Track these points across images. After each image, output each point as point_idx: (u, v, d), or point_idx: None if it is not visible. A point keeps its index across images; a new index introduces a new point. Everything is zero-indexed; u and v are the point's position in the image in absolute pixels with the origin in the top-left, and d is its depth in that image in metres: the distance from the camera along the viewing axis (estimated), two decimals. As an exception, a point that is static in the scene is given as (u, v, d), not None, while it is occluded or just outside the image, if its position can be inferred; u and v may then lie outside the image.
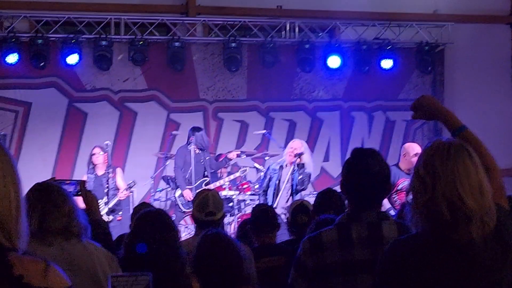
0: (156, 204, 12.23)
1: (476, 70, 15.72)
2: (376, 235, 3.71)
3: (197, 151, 12.63)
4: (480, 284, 2.94)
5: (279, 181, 11.48)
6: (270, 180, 11.59)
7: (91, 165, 12.33)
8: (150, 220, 4.79)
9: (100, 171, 12.23)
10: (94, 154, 12.25)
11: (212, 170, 12.94)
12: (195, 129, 12.85)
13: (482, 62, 15.81)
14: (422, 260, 2.95)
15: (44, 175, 11.34)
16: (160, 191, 13.62)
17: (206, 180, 12.70)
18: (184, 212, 12.47)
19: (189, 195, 12.44)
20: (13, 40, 13.47)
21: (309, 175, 11.58)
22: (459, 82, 15.54)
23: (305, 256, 3.78)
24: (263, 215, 6.86)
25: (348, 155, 13.22)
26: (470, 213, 2.91)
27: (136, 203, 12.63)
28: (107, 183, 12.00)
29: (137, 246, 4.52)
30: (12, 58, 13.44)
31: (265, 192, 11.61)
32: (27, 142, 13.95)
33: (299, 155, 11.35)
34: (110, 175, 12.14)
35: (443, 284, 2.93)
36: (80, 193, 5.52)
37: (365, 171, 3.86)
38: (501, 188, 3.38)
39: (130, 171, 14.00)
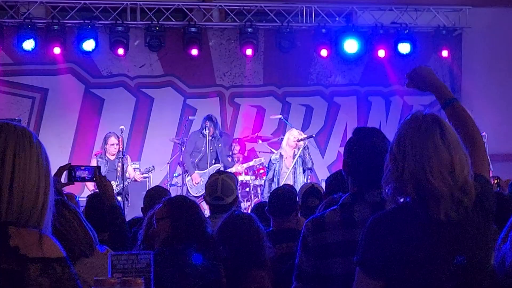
0: (173, 190, 12.35)
1: (494, 54, 15.66)
2: None
3: (210, 137, 12.78)
4: (464, 254, 3.00)
5: (280, 169, 11.76)
6: (274, 171, 11.87)
7: (104, 150, 12.56)
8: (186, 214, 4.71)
9: (112, 156, 12.47)
10: (112, 145, 12.47)
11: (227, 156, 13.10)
12: (209, 118, 13.00)
13: (501, 46, 15.74)
14: (402, 234, 3.00)
15: (61, 161, 11.40)
16: (177, 176, 13.70)
17: (218, 166, 12.82)
18: (193, 196, 12.55)
19: (196, 179, 12.73)
20: (30, 26, 13.58)
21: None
22: (477, 66, 15.50)
23: (308, 236, 3.81)
24: (282, 196, 6.60)
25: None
26: (438, 193, 2.94)
27: (153, 188, 12.79)
28: (120, 167, 12.20)
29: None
30: (28, 44, 13.54)
31: (270, 184, 11.85)
32: (44, 128, 14.05)
33: (306, 139, 11.81)
34: (121, 158, 12.32)
35: (423, 258, 2.98)
36: (94, 178, 5.62)
37: (369, 149, 3.80)
38: (485, 161, 3.42)
39: (147, 156, 14.14)
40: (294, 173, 11.69)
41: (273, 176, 11.91)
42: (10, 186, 2.48)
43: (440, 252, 2.98)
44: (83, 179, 5.71)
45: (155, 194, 6.92)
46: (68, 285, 2.45)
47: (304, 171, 11.87)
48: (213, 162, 12.95)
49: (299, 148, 11.93)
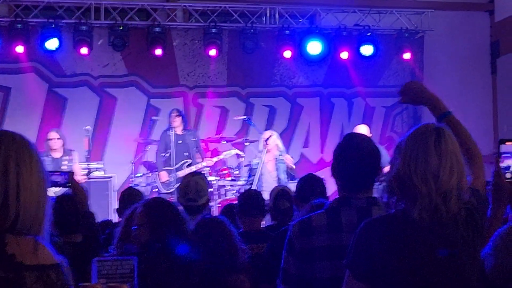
0: (137, 190, 12.29)
1: (455, 56, 15.84)
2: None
3: (179, 132, 12.81)
4: (448, 264, 3.06)
5: (262, 173, 11.81)
6: (255, 175, 11.91)
7: (47, 148, 11.96)
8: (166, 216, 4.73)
9: (57, 154, 12.01)
10: (51, 139, 12.02)
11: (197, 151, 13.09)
12: (175, 110, 13.10)
13: (461, 49, 15.93)
14: (390, 238, 3.07)
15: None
16: (140, 176, 13.64)
17: (188, 161, 12.84)
18: (164, 193, 12.50)
19: (164, 177, 12.76)
20: (-8, 25, 13.49)
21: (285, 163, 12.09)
22: (439, 69, 15.66)
23: (295, 239, 3.84)
24: (251, 200, 6.79)
25: (327, 142, 13.34)
26: (417, 193, 3.02)
27: (116, 188, 12.78)
28: (67, 166, 11.98)
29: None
30: (-9, 43, 13.46)
31: (250, 186, 11.89)
32: (6, 127, 13.54)
33: (267, 139, 11.81)
34: (68, 157, 12.06)
35: (410, 262, 3.04)
36: (69, 184, 5.61)
37: (356, 155, 3.86)
38: (481, 174, 3.50)
39: (110, 156, 14.10)
40: (279, 181, 11.73)
41: (254, 180, 11.95)
42: (17, 198, 2.51)
43: (423, 262, 3.05)
44: (56, 184, 5.68)
45: (130, 196, 7.00)
46: None
47: (288, 176, 11.97)
48: (184, 156, 12.96)
49: (278, 152, 12.01)
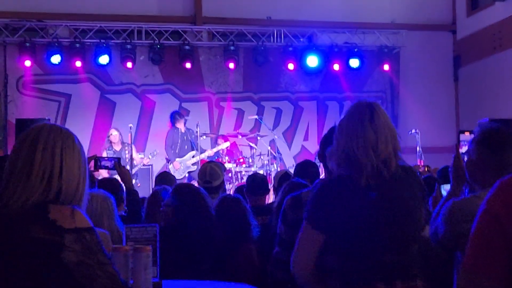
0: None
1: (425, 67, 15.77)
2: None
3: (183, 130, 12.80)
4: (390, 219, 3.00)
5: None
6: None
7: (109, 143, 12.43)
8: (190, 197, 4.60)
9: (118, 147, 12.34)
10: (113, 135, 12.39)
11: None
12: (180, 114, 13.28)
13: (430, 61, 15.86)
14: (341, 198, 2.99)
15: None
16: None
17: (193, 153, 12.84)
18: (178, 179, 12.46)
19: (177, 165, 12.79)
20: (56, 44, 13.50)
21: None
22: (412, 77, 15.58)
23: (288, 210, 3.81)
24: (257, 181, 6.77)
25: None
26: (361, 165, 2.96)
27: (155, 173, 12.76)
28: (128, 156, 12.18)
29: None
30: (55, 59, 13.49)
31: None
32: (67, 126, 13.47)
33: None
34: (127, 148, 12.32)
35: (354, 219, 2.96)
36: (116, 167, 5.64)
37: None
38: None
39: (150, 148, 14.06)
40: None
41: None
42: (60, 175, 2.53)
43: (368, 214, 2.97)
44: (107, 167, 5.73)
45: (163, 178, 7.09)
46: (96, 249, 2.49)
47: None
48: (186, 149, 12.96)
49: None
